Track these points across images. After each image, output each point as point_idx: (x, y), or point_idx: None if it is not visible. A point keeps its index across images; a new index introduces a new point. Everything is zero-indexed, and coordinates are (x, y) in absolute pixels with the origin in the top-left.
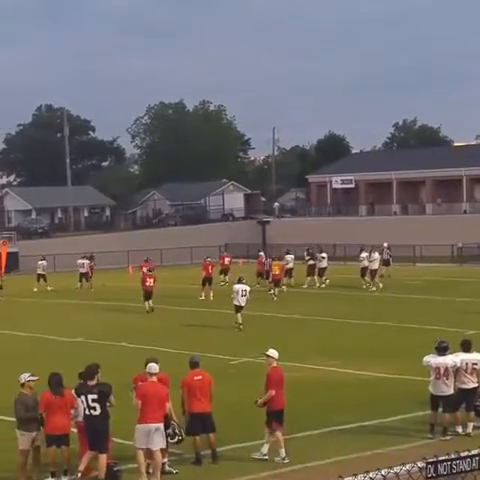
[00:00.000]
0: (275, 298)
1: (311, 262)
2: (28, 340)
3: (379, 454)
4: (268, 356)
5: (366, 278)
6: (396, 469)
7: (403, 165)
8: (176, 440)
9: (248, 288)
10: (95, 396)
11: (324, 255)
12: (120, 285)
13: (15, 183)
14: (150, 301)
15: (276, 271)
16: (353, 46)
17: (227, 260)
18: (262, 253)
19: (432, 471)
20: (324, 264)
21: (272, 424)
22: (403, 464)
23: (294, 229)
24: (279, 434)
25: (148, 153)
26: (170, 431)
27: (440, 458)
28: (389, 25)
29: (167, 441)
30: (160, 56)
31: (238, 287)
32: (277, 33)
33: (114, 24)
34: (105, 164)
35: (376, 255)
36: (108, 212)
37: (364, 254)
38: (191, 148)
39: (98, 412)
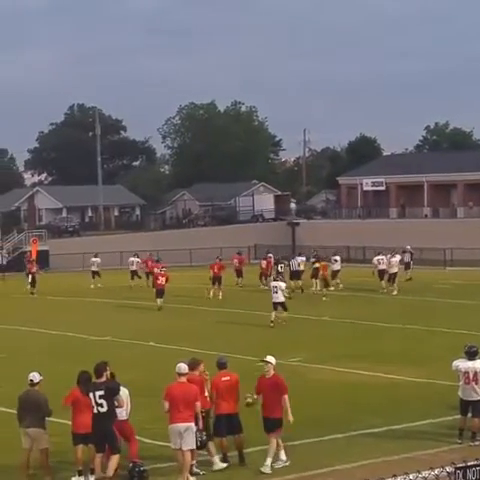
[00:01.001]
0: (324, 298)
1: (317, 265)
2: (56, 338)
3: (407, 458)
4: (268, 363)
5: (383, 282)
6: (424, 473)
7: (434, 168)
8: None
9: (281, 284)
10: (102, 392)
11: (337, 258)
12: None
13: (46, 182)
14: (161, 299)
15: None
16: (385, 47)
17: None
18: (271, 254)
19: (461, 476)
20: (337, 267)
21: (276, 431)
22: (431, 469)
23: (324, 231)
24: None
25: (179, 153)
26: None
27: (469, 463)
28: (427, 25)
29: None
30: (193, 57)
31: (271, 284)
32: (309, 34)
33: (147, 24)
34: (136, 164)
35: (395, 259)
36: (138, 212)
37: (378, 257)
38: (222, 149)
39: (105, 409)
